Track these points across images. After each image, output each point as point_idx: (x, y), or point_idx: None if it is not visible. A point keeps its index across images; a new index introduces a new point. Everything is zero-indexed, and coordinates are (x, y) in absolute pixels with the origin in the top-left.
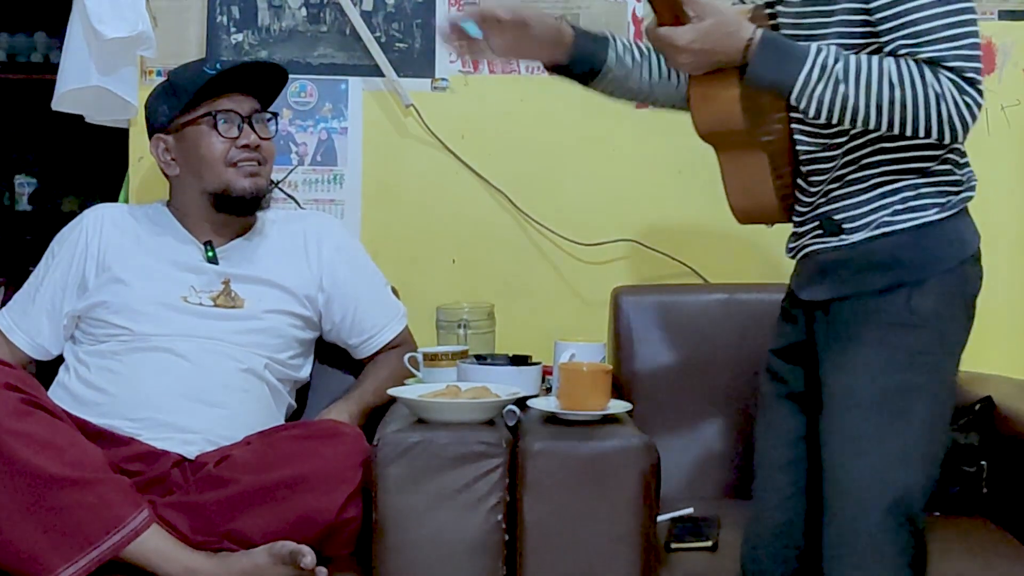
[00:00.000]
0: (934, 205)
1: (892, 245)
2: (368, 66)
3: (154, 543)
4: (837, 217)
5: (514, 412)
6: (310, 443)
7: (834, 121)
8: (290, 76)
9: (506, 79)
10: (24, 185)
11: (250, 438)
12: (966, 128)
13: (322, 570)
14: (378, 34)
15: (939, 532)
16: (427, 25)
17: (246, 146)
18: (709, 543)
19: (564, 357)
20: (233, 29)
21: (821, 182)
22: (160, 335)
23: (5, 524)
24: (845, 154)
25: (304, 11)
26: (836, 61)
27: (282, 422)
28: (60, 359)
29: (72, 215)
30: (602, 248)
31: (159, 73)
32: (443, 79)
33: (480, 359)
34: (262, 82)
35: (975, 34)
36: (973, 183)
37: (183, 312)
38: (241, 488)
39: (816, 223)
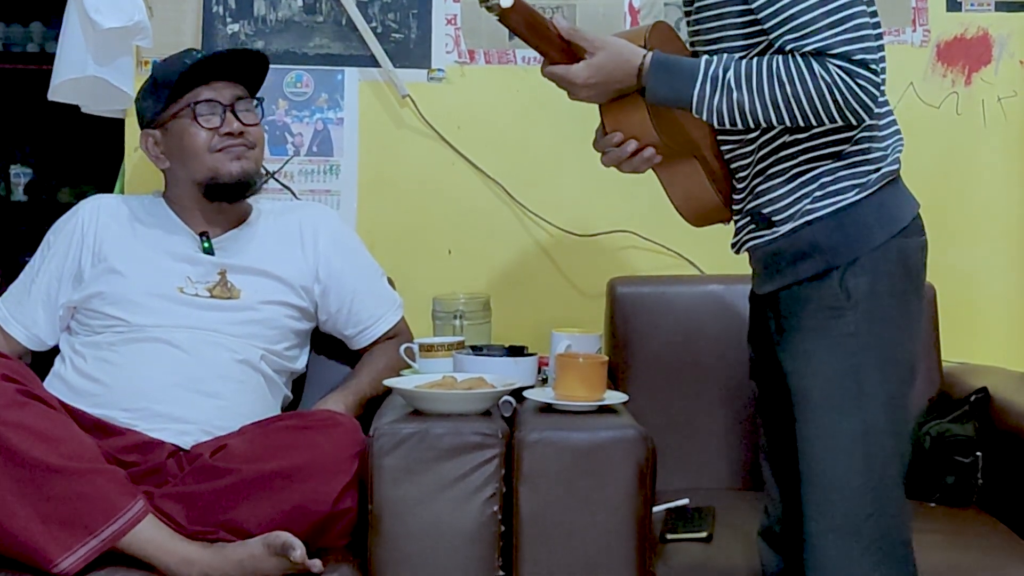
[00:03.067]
0: (853, 187)
1: (816, 231)
2: (364, 56)
3: (150, 533)
4: (766, 211)
5: (510, 403)
6: (306, 434)
7: (738, 126)
8: (286, 66)
9: (503, 70)
10: (20, 176)
11: (246, 428)
12: (867, 109)
13: (316, 563)
14: (374, 24)
15: (934, 523)
16: (423, 15)
17: (229, 133)
18: (704, 534)
19: (560, 348)
20: (229, 19)
21: (745, 177)
22: (156, 326)
23: (2, 515)
24: (760, 148)
25: (300, 1)
26: (726, 71)
27: (278, 413)
28: (56, 350)
29: (68, 206)
30: (598, 239)
31: (155, 63)
32: (439, 70)
33: (476, 350)
34: (245, 69)
35: (858, 15)
36: (896, 154)
37: (179, 303)
38: (237, 478)
39: (748, 218)
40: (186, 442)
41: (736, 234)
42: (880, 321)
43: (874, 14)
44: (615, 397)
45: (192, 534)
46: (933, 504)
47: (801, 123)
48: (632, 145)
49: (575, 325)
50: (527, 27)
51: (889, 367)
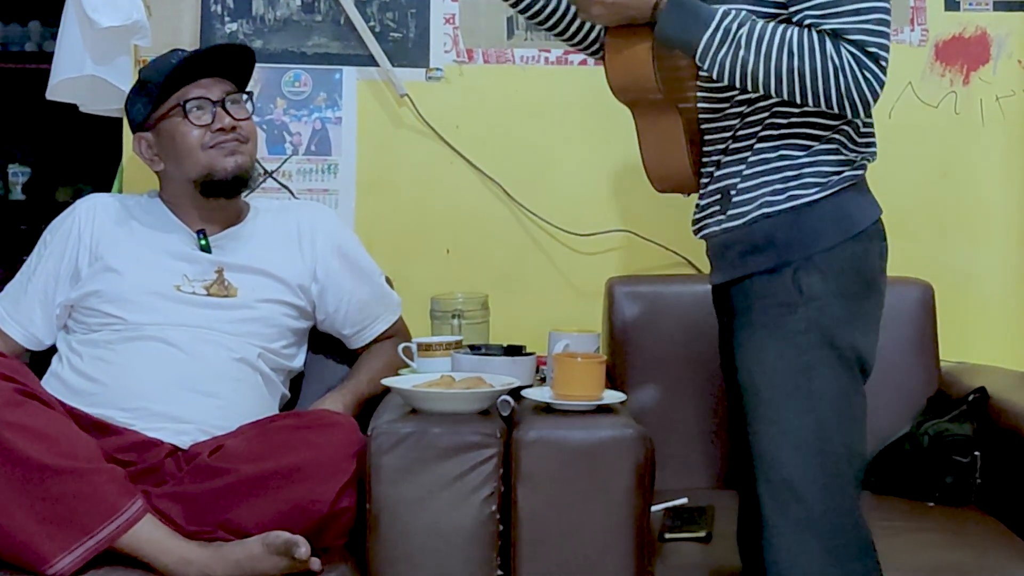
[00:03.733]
0: (814, 185)
1: (771, 226)
2: (362, 56)
3: (148, 533)
4: (731, 192)
5: (508, 402)
6: (304, 433)
7: (736, 85)
8: (284, 65)
9: (501, 69)
10: (18, 175)
11: (244, 428)
12: (865, 103)
13: (316, 561)
14: (372, 24)
15: (933, 522)
16: (422, 14)
17: (221, 129)
18: (703, 533)
19: (558, 347)
20: (227, 18)
21: (718, 152)
22: (153, 324)
23: (0, 514)
24: (740, 127)
25: (298, 0)
26: (740, 26)
27: (276, 412)
28: (53, 349)
29: (66, 205)
30: (596, 238)
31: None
32: (438, 69)
33: (474, 349)
34: (232, 65)
35: (883, 10)
36: (865, 162)
37: (176, 301)
38: (235, 478)
39: (715, 198)
40: (184, 442)
41: (698, 211)
42: (830, 319)
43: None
44: (613, 397)
45: (190, 534)
46: (932, 504)
47: (799, 100)
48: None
49: (573, 324)
50: None
51: (840, 365)
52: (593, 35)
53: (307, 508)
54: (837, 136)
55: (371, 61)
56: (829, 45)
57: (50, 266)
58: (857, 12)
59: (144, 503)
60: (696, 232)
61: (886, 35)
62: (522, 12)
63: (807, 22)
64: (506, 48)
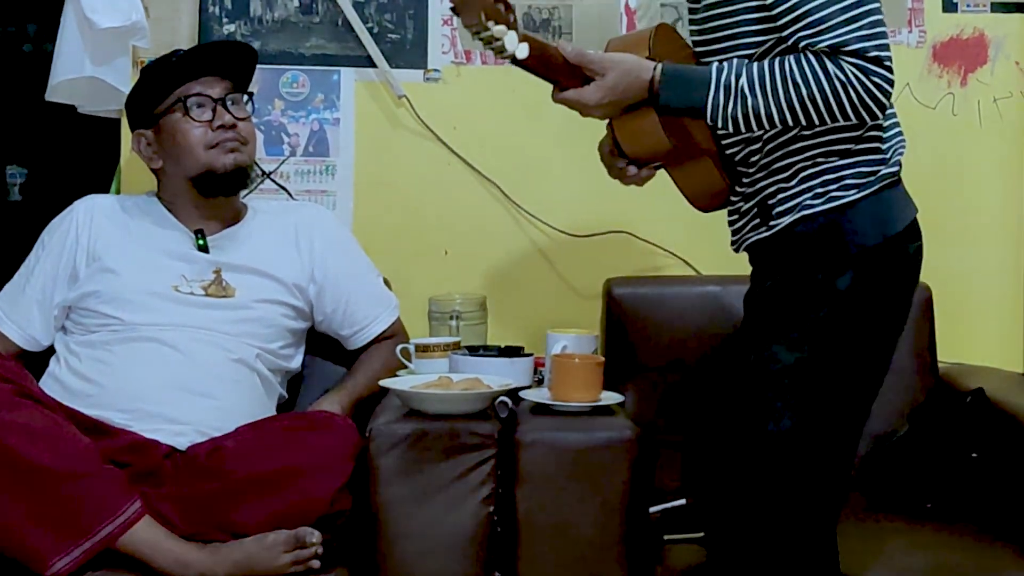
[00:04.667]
0: (853, 186)
1: (810, 228)
2: (360, 57)
3: (146, 534)
4: (770, 203)
5: (506, 403)
6: (302, 434)
7: (754, 131)
8: (282, 67)
9: (499, 70)
10: (15, 176)
11: (241, 429)
12: (881, 107)
13: (315, 561)
14: (370, 25)
15: (929, 524)
16: (419, 16)
17: (222, 126)
18: (701, 534)
19: (556, 348)
20: (225, 19)
21: (751, 175)
22: (151, 325)
23: None
24: (766, 144)
25: (296, 1)
26: (739, 77)
27: (273, 413)
28: (51, 350)
29: (63, 206)
30: (594, 240)
31: (149, 63)
32: (435, 70)
33: (472, 350)
34: (234, 64)
35: (874, 11)
36: (897, 156)
37: (174, 302)
38: (233, 479)
39: (753, 211)
40: (181, 443)
41: (736, 232)
42: (864, 324)
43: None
44: (611, 398)
45: (188, 535)
46: (928, 505)
47: (816, 122)
48: (633, 171)
49: (571, 326)
50: (539, 63)
51: (866, 368)
52: None
53: (305, 508)
54: (870, 133)
55: (369, 62)
56: (830, 64)
57: (48, 267)
58: (848, 22)
59: (142, 504)
60: (737, 248)
61: (883, 35)
62: None
63: (802, 44)
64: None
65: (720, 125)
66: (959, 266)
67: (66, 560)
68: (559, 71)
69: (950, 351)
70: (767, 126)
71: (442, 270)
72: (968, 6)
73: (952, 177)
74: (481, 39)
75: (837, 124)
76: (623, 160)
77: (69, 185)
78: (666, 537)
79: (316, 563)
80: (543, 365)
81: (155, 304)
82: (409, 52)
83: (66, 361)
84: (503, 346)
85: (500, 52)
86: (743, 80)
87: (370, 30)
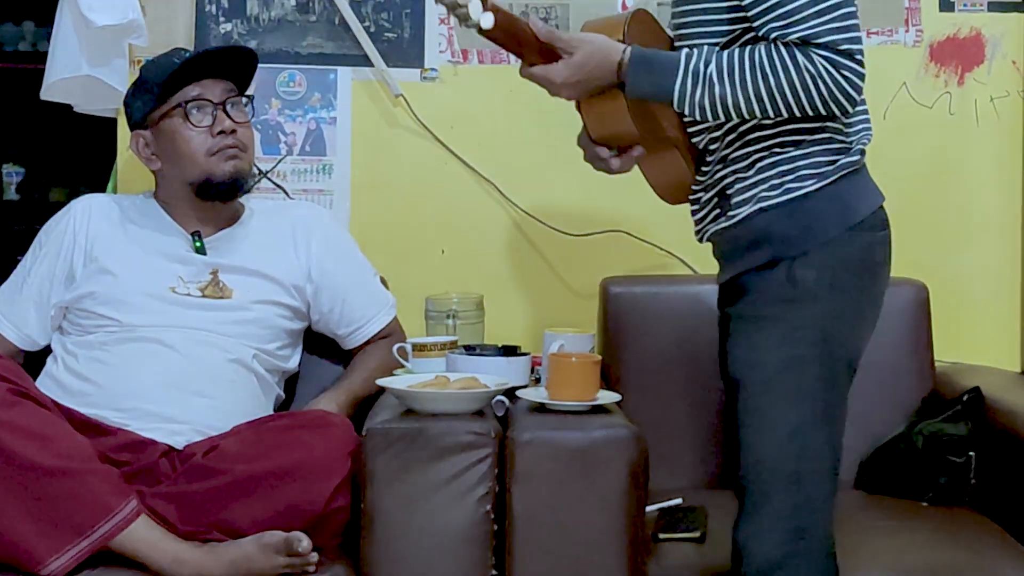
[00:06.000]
0: (810, 176)
1: (768, 219)
2: (357, 56)
3: (143, 533)
4: (728, 192)
5: (503, 402)
6: (299, 433)
7: (721, 120)
8: (279, 66)
9: (496, 69)
10: (12, 175)
11: (239, 428)
12: (851, 100)
13: (312, 555)
14: (367, 24)
15: (928, 522)
16: (416, 14)
17: (223, 132)
18: (697, 534)
19: (553, 347)
20: (222, 18)
21: (711, 163)
22: (148, 326)
23: None
24: (727, 134)
25: (293, 0)
26: (708, 64)
27: (271, 412)
28: (48, 349)
29: (60, 205)
30: (591, 239)
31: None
32: (432, 69)
33: (469, 349)
34: (234, 66)
35: (845, 4)
36: (861, 146)
37: (171, 303)
38: (230, 478)
39: (713, 201)
40: (178, 442)
41: (699, 223)
42: (825, 315)
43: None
44: (608, 397)
45: (184, 534)
46: (926, 504)
47: (785, 115)
48: (616, 162)
49: (568, 325)
50: (506, 36)
51: (830, 361)
52: None
53: (301, 508)
54: (830, 124)
55: (366, 61)
56: (800, 56)
57: (45, 267)
58: (819, 14)
59: (138, 503)
60: (700, 237)
61: (855, 27)
62: None
63: (772, 36)
64: (501, 49)
65: (687, 112)
66: (956, 265)
67: (62, 560)
68: (528, 46)
69: (947, 350)
70: (734, 116)
71: (439, 269)
72: (965, 5)
73: (949, 176)
74: (445, 4)
75: (796, 115)
76: (603, 148)
77: (66, 184)
78: (662, 536)
79: (316, 556)
80: (540, 364)
81: (152, 305)
82: (406, 51)
83: (63, 361)
84: (500, 345)
85: (464, 20)
86: (712, 68)
87: (367, 29)
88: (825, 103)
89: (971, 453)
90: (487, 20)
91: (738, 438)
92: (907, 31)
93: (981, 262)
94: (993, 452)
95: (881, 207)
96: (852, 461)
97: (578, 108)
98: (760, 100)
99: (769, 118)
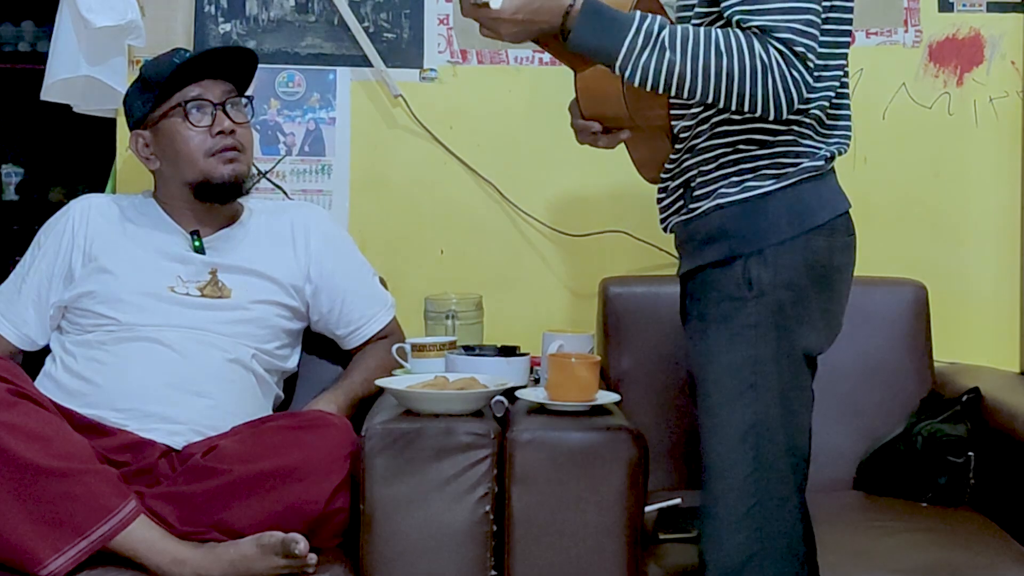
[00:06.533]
0: (770, 176)
1: (725, 217)
2: (356, 56)
3: (142, 534)
4: (692, 184)
5: (502, 403)
6: (298, 434)
7: (661, 90)
8: (278, 66)
9: (495, 69)
10: (11, 175)
11: (238, 429)
12: (791, 103)
13: (312, 556)
14: (366, 24)
15: (927, 522)
16: (415, 15)
17: (222, 132)
18: (696, 533)
19: (552, 348)
20: (221, 19)
21: (679, 151)
22: (147, 325)
23: None
24: (699, 124)
25: (292, 1)
26: (662, 28)
27: (270, 413)
28: (47, 349)
29: (59, 205)
30: (590, 239)
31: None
32: (432, 69)
33: (468, 350)
34: (234, 67)
35: (813, 11)
36: (828, 153)
37: (170, 302)
38: (229, 479)
39: (678, 192)
40: (177, 442)
41: (663, 211)
42: (779, 315)
43: (841, 23)
44: (607, 397)
45: (183, 534)
46: (925, 504)
47: (723, 103)
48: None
49: (567, 325)
50: None
51: (785, 360)
52: None
53: (301, 508)
54: (797, 128)
55: (365, 62)
56: (757, 44)
57: (44, 266)
58: (786, 11)
59: (137, 504)
60: (664, 227)
61: (815, 37)
62: None
63: (735, 18)
64: (500, 49)
65: (628, 75)
66: (955, 266)
67: (61, 560)
68: None
69: (946, 350)
70: (674, 89)
71: (438, 269)
72: (964, 5)
73: (948, 177)
74: None
75: (732, 106)
76: (593, 123)
77: (65, 184)
78: (661, 536)
79: (314, 558)
80: (539, 364)
81: (151, 305)
82: (405, 51)
83: (62, 361)
84: (499, 345)
85: None
86: (665, 32)
87: (366, 29)
88: (766, 98)
89: (970, 453)
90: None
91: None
92: (906, 31)
93: (980, 262)
94: (992, 452)
95: (846, 214)
96: (851, 461)
97: (575, 83)
98: (706, 78)
99: (707, 103)
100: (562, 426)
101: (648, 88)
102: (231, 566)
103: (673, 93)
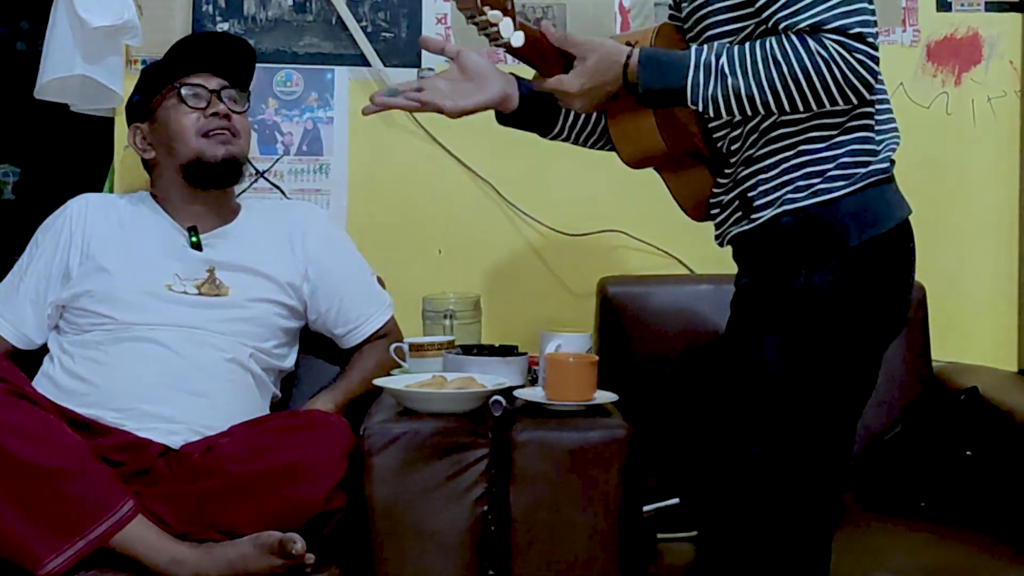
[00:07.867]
0: (838, 178)
1: (792, 223)
2: (354, 55)
3: (139, 533)
4: (750, 195)
5: (500, 403)
6: (296, 433)
7: (736, 115)
8: (276, 65)
9: None
10: (8, 175)
11: (236, 428)
12: (867, 85)
13: (310, 556)
14: (364, 23)
15: (924, 522)
16: (413, 14)
17: (216, 114)
18: (694, 533)
19: (550, 347)
20: (219, 18)
21: (732, 164)
22: (144, 324)
23: None
24: (749, 134)
25: (290, 0)
26: (719, 57)
27: (267, 412)
28: (44, 349)
29: (56, 205)
30: (588, 239)
31: (144, 62)
32: (430, 68)
33: (466, 349)
34: (234, 66)
35: None
36: (888, 152)
37: (167, 301)
38: (227, 478)
39: (734, 206)
40: (175, 442)
41: (719, 226)
42: (843, 324)
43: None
44: (605, 397)
45: (181, 534)
46: (923, 504)
47: (800, 106)
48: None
49: (565, 325)
50: (531, 51)
51: (841, 369)
52: None
53: (298, 508)
54: (858, 122)
55: (363, 61)
56: (811, 42)
57: (41, 266)
58: (829, 4)
59: (135, 503)
60: (720, 241)
61: (863, 11)
62: (555, 138)
63: (781, 26)
64: (498, 48)
65: (701, 108)
66: (953, 265)
67: (59, 560)
68: (549, 58)
69: (944, 350)
70: (748, 109)
71: (436, 269)
72: (962, 5)
73: (946, 176)
74: (476, 24)
75: (823, 110)
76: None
77: (62, 184)
78: (659, 536)
79: (312, 557)
80: (537, 364)
81: (148, 303)
82: (403, 51)
83: (60, 360)
84: (497, 345)
85: (495, 40)
86: (723, 60)
87: (364, 29)
88: (841, 89)
89: (968, 452)
90: (518, 39)
91: (731, 460)
92: (904, 31)
93: (978, 261)
94: (990, 452)
95: (907, 219)
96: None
97: (607, 124)
98: (774, 90)
99: (785, 111)
100: (560, 426)
101: (724, 116)
102: (229, 565)
103: (749, 113)
